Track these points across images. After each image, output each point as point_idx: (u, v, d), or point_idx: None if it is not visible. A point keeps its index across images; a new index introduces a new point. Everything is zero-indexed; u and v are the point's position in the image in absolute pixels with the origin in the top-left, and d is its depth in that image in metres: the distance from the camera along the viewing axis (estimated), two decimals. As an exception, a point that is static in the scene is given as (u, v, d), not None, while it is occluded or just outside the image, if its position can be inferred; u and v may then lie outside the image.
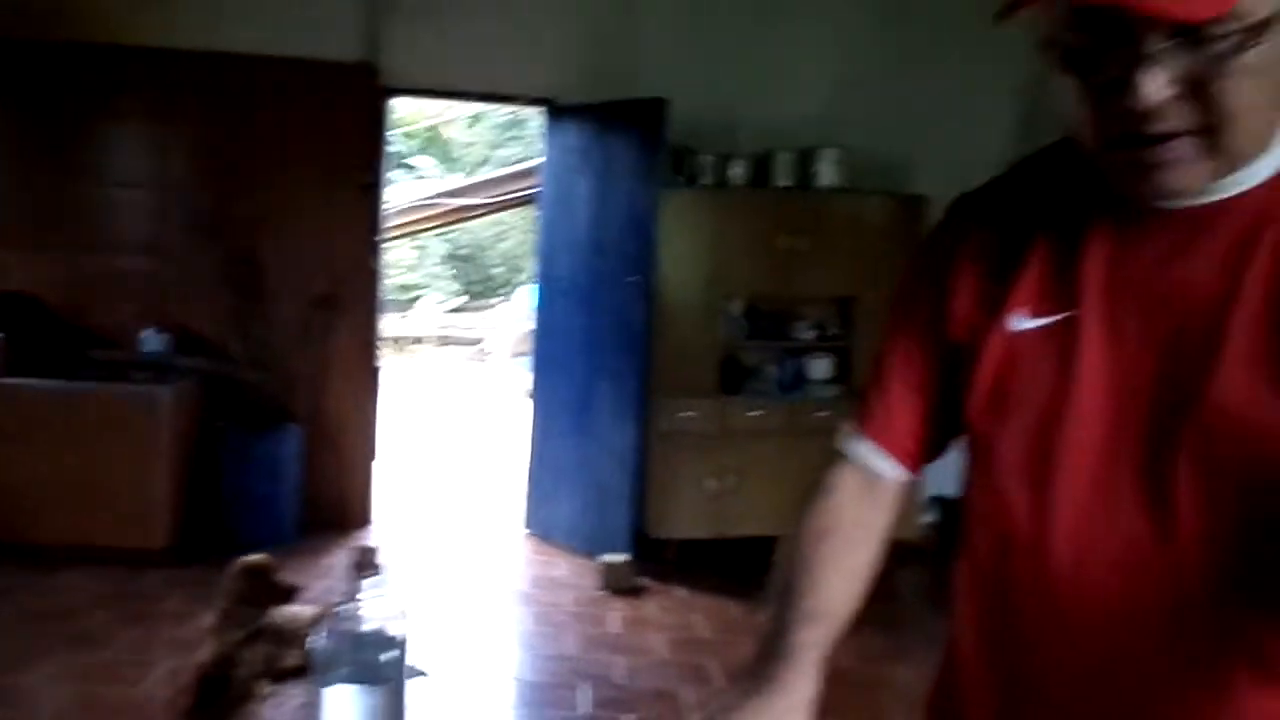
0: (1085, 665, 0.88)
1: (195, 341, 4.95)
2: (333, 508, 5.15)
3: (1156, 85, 0.73)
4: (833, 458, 1.04)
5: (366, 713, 1.04)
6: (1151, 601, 0.84)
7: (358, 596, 1.10)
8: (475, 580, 4.69)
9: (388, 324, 12.02)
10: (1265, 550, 0.80)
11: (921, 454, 1.02)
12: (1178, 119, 0.75)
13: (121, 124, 4.95)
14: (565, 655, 3.88)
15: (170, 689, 3.14)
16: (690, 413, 4.95)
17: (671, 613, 4.34)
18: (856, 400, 1.05)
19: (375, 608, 1.11)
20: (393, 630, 1.11)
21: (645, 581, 4.63)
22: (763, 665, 0.88)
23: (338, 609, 1.05)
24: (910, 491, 1.05)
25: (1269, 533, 0.80)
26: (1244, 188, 0.80)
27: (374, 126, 5.12)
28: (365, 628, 1.10)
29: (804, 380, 5.16)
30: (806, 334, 5.21)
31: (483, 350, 13.47)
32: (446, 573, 4.77)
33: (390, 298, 13.98)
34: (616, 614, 4.31)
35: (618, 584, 4.55)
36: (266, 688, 2.98)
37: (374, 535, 5.24)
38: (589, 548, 4.90)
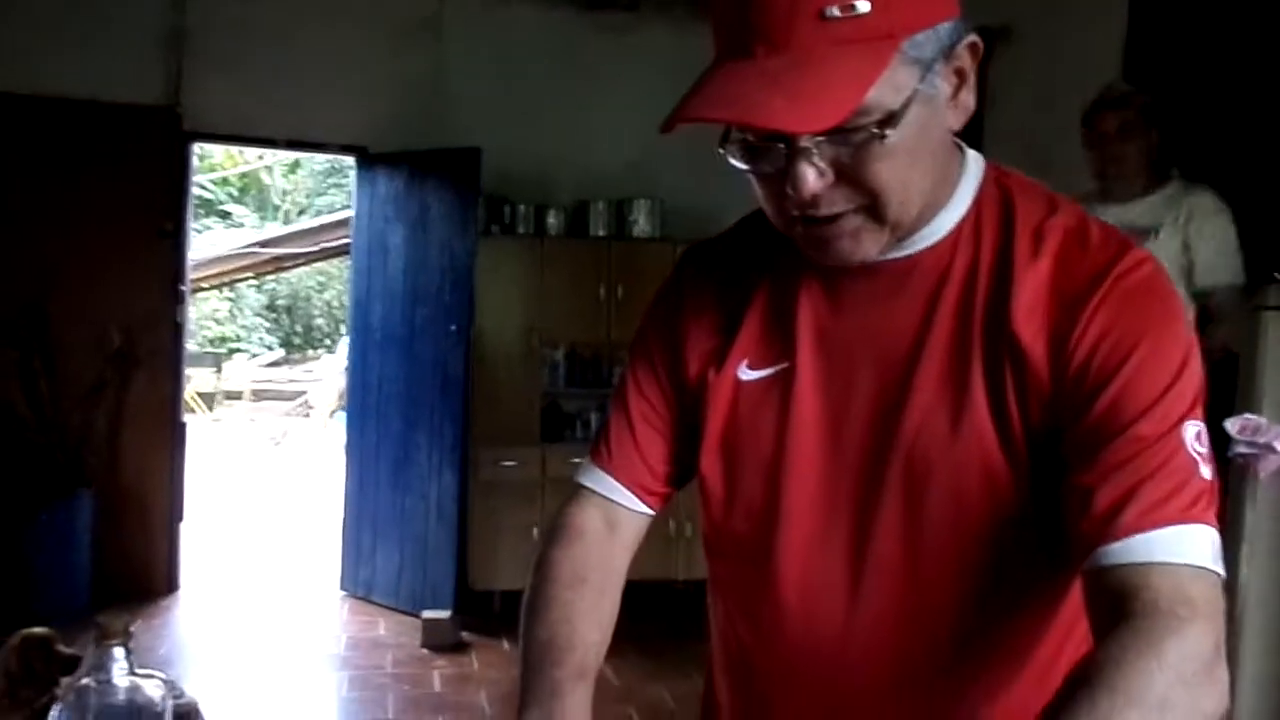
0: (809, 703, 0.95)
1: (-27, 401, 4.58)
2: (133, 574, 4.84)
3: (813, 175, 0.80)
4: (577, 491, 1.05)
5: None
6: (854, 650, 0.91)
7: (107, 667, 1.03)
8: (290, 645, 4.48)
9: (198, 379, 11.51)
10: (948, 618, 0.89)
11: (663, 493, 1.05)
12: (839, 200, 0.82)
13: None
14: (385, 719, 3.75)
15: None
16: (511, 461, 4.91)
17: (494, 667, 4.26)
18: (598, 436, 1.07)
19: (127, 678, 1.04)
20: (151, 700, 1.05)
21: (468, 636, 4.53)
22: None
23: (80, 683, 0.98)
24: (647, 528, 1.06)
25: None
26: (932, 241, 0.89)
27: (176, 172, 4.93)
28: (117, 700, 1.03)
29: (625, 426, 5.21)
30: (626, 380, 5.28)
31: (305, 404, 12.99)
32: (259, 639, 4.54)
33: (203, 351, 13.39)
34: (438, 672, 4.20)
35: (440, 641, 4.44)
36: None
37: (181, 602, 4.95)
38: (410, 605, 4.77)
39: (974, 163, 0.92)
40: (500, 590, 4.89)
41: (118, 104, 4.73)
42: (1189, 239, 2.80)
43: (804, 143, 0.78)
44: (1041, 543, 0.86)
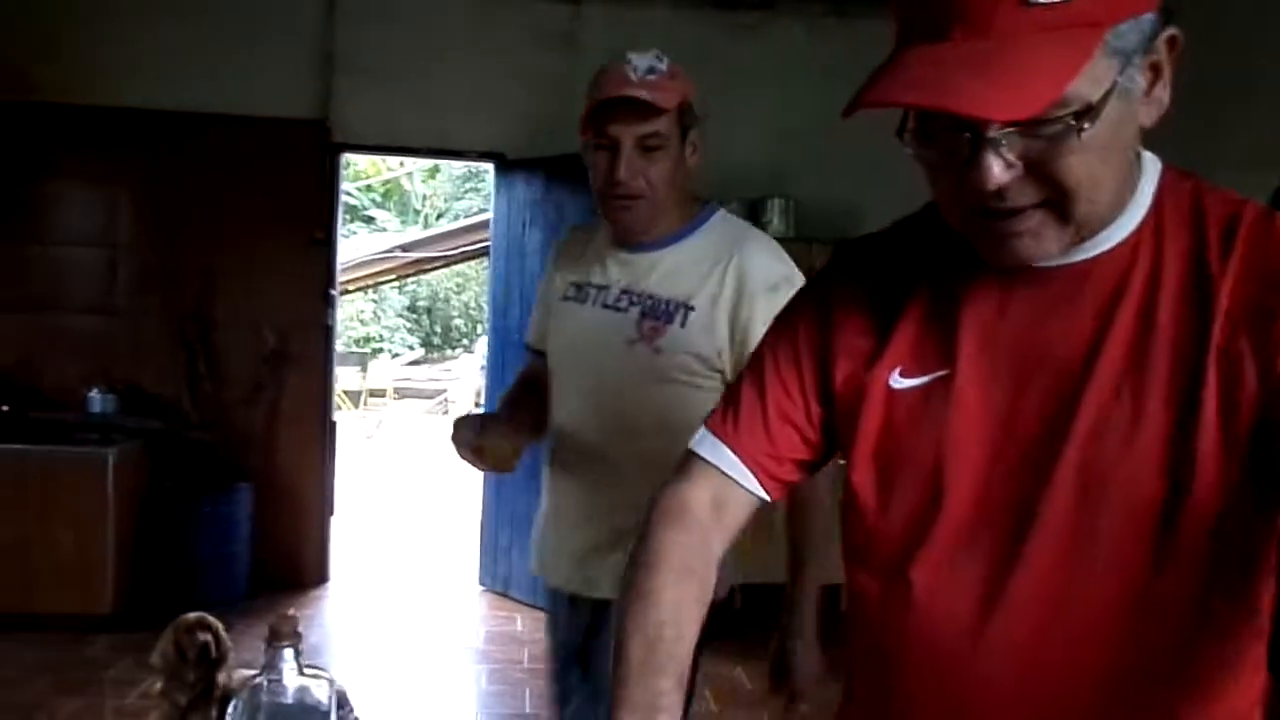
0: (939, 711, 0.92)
1: (144, 401, 4.88)
2: (287, 566, 5.09)
3: (1000, 167, 0.77)
4: (689, 461, 1.02)
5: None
6: (987, 665, 0.88)
7: (278, 667, 1.08)
8: (431, 638, 4.62)
9: (345, 378, 12.00)
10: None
11: (786, 481, 1.02)
12: (1025, 194, 0.79)
13: (66, 183, 4.91)
14: (522, 713, 3.82)
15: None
16: (646, 462, 4.94)
17: (630, 665, 4.29)
18: (723, 406, 1.03)
19: (297, 678, 1.09)
20: (319, 701, 1.09)
21: (603, 634, 4.58)
22: None
23: (253, 681, 1.04)
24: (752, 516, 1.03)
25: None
26: (1109, 245, 0.85)
27: (326, 182, 5.13)
28: (286, 700, 1.08)
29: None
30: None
31: (445, 402, 13.38)
32: (402, 631, 4.69)
33: (348, 351, 13.94)
34: (574, 668, 4.25)
35: (576, 638, 4.49)
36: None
37: (330, 593, 5.17)
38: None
39: (1151, 163, 0.88)
40: (634, 590, 4.92)
41: (272, 119, 4.98)
42: (741, 327, 1.72)
43: (992, 133, 0.76)
44: (1220, 559, 0.81)
